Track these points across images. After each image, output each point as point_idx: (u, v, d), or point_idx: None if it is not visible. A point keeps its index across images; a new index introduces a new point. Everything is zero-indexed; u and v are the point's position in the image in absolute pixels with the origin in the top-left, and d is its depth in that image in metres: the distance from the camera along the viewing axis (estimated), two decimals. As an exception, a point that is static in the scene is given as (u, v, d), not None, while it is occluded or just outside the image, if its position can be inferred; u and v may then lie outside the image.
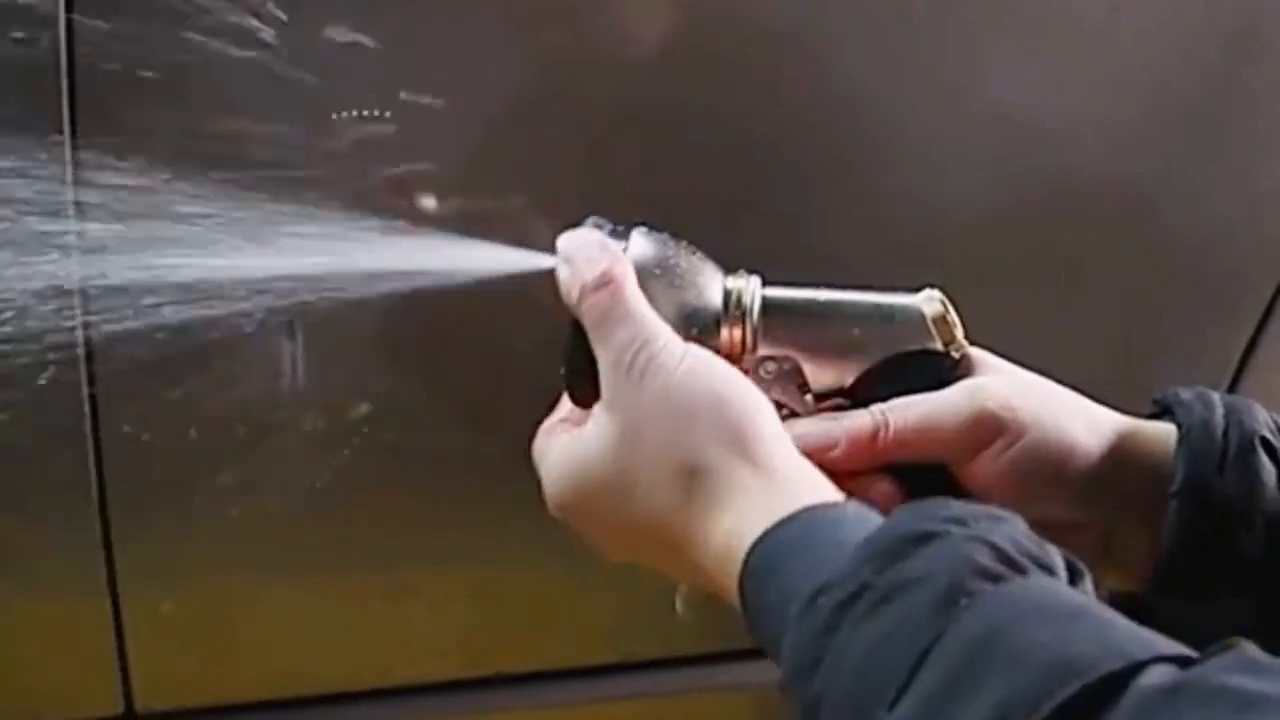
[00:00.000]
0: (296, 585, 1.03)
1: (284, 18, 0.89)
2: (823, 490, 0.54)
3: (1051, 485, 0.61)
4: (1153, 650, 0.41)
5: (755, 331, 0.62)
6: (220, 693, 1.05)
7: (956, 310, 0.63)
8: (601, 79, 0.94)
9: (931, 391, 0.62)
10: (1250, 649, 0.41)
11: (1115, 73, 1.02)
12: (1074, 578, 0.47)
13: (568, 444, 0.59)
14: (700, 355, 0.58)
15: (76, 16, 0.85)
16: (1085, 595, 0.46)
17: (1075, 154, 1.03)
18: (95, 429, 0.94)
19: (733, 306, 0.62)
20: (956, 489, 0.61)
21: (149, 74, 0.89)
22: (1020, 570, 0.45)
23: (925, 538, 0.46)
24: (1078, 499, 0.61)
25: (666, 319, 0.61)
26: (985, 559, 0.45)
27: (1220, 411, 0.61)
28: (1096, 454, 0.61)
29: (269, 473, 1.00)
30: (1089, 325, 1.09)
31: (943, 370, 0.62)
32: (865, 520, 0.50)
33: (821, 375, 0.63)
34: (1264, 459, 0.60)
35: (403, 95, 0.92)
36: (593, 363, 0.59)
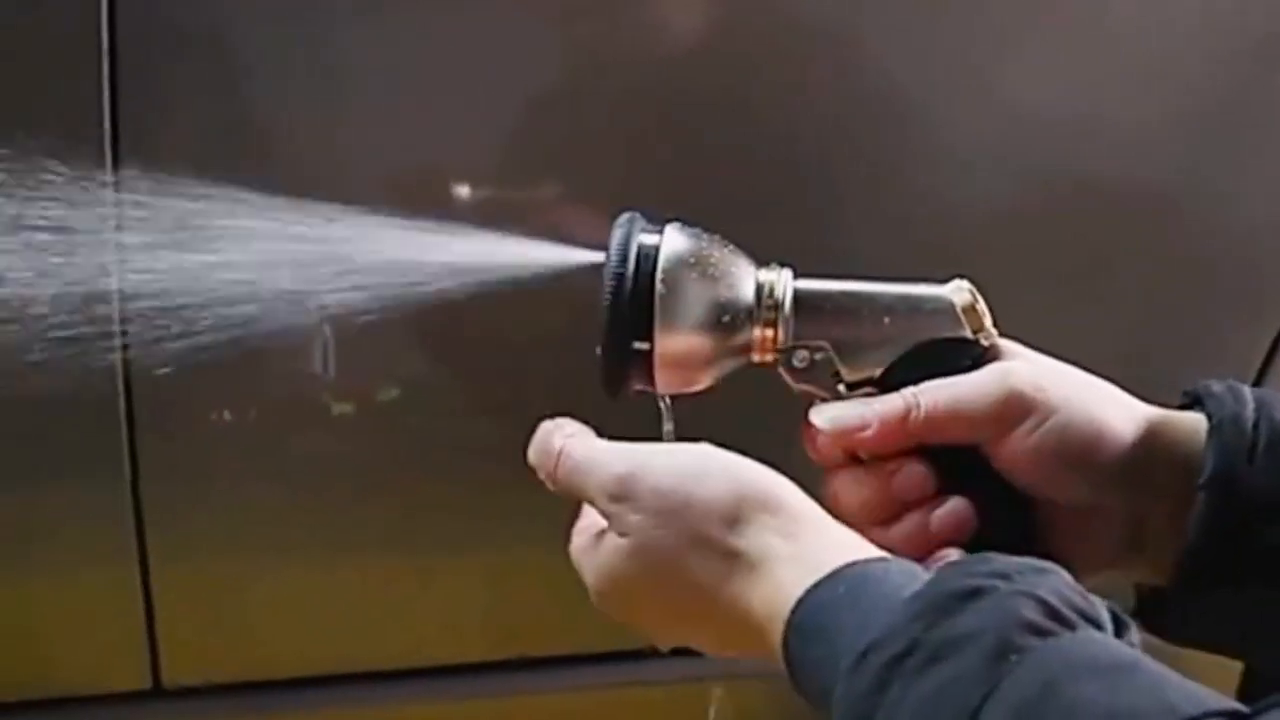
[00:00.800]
0: (322, 566, 1.04)
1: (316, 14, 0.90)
2: (853, 544, 0.55)
3: (1080, 467, 0.61)
4: (1203, 706, 0.41)
5: (788, 323, 0.63)
6: (245, 670, 1.06)
7: (995, 299, 0.64)
8: (635, 75, 0.95)
9: None
10: None
11: (1142, 75, 1.02)
12: (1119, 629, 0.48)
13: (598, 556, 0.60)
14: (676, 446, 0.59)
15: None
16: (1133, 647, 0.47)
17: (1101, 155, 1.04)
18: (129, 408, 0.95)
19: (765, 299, 0.63)
20: (987, 470, 0.62)
21: (189, 63, 0.90)
22: (1068, 625, 0.46)
23: (972, 594, 0.47)
24: (1106, 483, 0.61)
25: (700, 314, 0.62)
26: (1033, 614, 0.45)
27: (1251, 405, 0.61)
28: (1126, 440, 0.62)
29: (298, 455, 1.01)
30: (1113, 325, 1.09)
31: (972, 358, 0.63)
32: (909, 574, 0.51)
33: (853, 365, 0.63)
34: None
35: (438, 90, 0.93)
36: (626, 347, 0.61)
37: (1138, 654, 0.46)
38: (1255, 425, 0.60)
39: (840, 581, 0.51)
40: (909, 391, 0.62)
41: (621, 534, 0.57)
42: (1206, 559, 0.60)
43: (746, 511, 0.55)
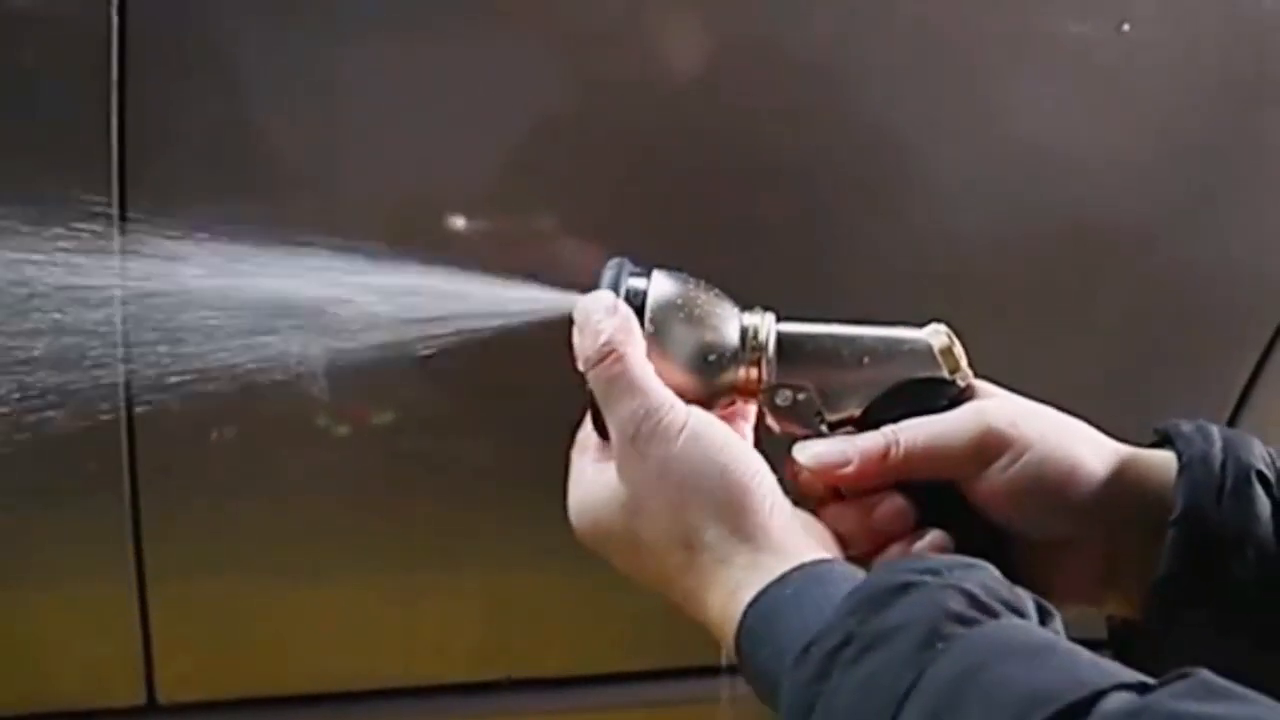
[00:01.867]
0: (315, 585, 1.06)
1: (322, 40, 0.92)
2: (811, 552, 0.57)
3: (1054, 503, 0.63)
4: (1113, 679, 0.44)
5: (771, 365, 0.65)
6: (239, 687, 1.08)
7: (962, 342, 0.66)
8: (634, 109, 0.97)
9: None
10: (1205, 675, 0.44)
11: (1128, 115, 1.05)
12: (1044, 618, 0.51)
13: (588, 488, 0.62)
14: (702, 422, 0.60)
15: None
16: (1054, 633, 0.50)
17: (1086, 191, 1.06)
18: (129, 425, 0.96)
19: (749, 341, 0.65)
20: (964, 505, 0.64)
21: (196, 92, 0.92)
22: (992, 614, 0.49)
23: (904, 588, 0.50)
24: (1079, 518, 0.63)
25: (686, 354, 0.64)
26: (959, 605, 0.49)
27: (1219, 445, 0.63)
28: (1099, 477, 0.64)
29: (293, 476, 1.03)
30: (1095, 355, 1.11)
31: (949, 397, 0.65)
32: (849, 576, 0.54)
33: (834, 404, 0.65)
34: (1259, 491, 0.62)
35: (437, 122, 0.95)
36: None
37: (1055, 637, 0.49)
38: (1223, 465, 0.62)
39: (787, 584, 0.55)
40: (889, 429, 0.64)
41: (620, 476, 0.60)
42: (1175, 592, 0.62)
43: (723, 511, 0.58)
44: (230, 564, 1.03)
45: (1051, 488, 0.63)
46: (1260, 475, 0.63)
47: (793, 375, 0.65)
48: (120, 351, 0.90)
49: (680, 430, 0.59)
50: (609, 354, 0.61)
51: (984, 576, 0.51)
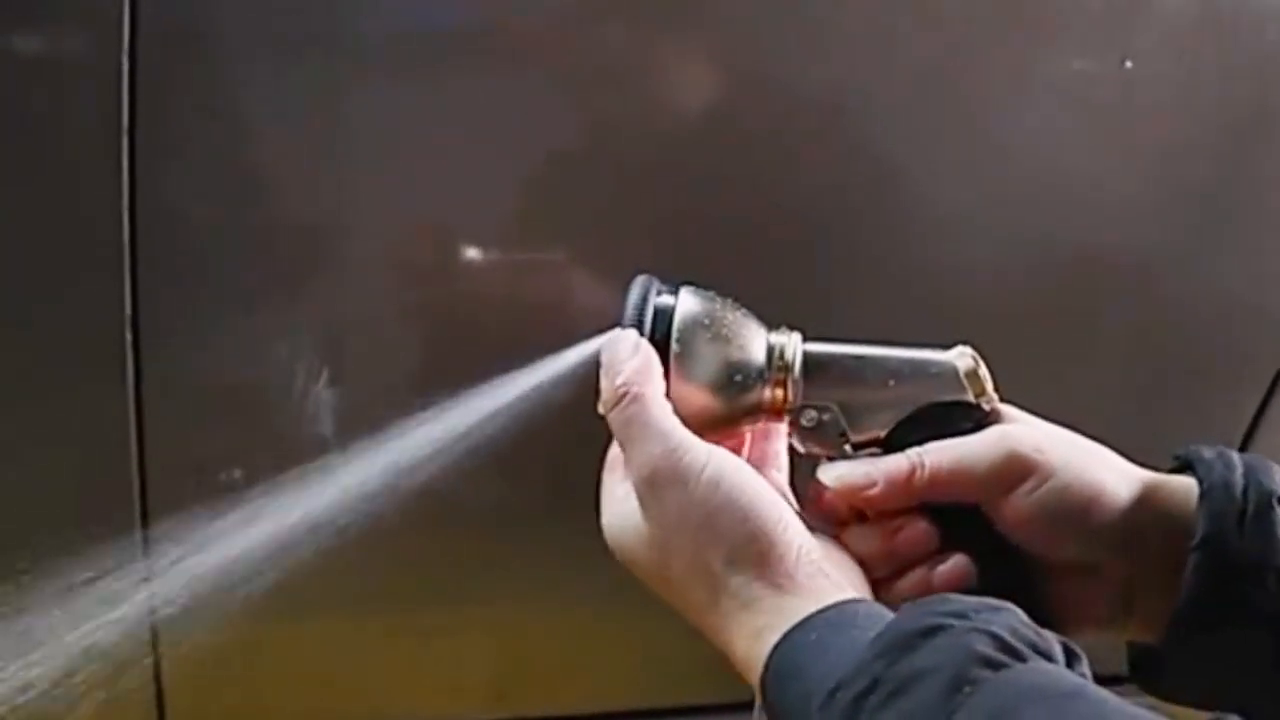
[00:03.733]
0: (326, 623, 1.05)
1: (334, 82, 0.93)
2: (837, 595, 0.57)
3: (1077, 528, 0.63)
4: None
5: (797, 384, 0.65)
6: (248, 725, 1.07)
7: (987, 365, 0.66)
8: (645, 146, 0.97)
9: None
10: None
11: (1130, 150, 1.05)
12: (1071, 661, 0.50)
13: (617, 511, 0.62)
14: (723, 464, 0.60)
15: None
16: (1082, 677, 0.49)
17: (1089, 226, 1.06)
18: (141, 465, 0.96)
19: (775, 361, 0.65)
20: (988, 528, 0.64)
21: (204, 133, 0.92)
22: (1020, 657, 0.49)
23: (930, 631, 0.50)
24: (1101, 544, 0.64)
25: (712, 373, 0.64)
26: (987, 648, 0.48)
27: (1240, 470, 0.63)
28: (1121, 503, 0.64)
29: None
30: (1098, 393, 1.11)
31: (974, 421, 0.65)
32: (876, 617, 0.54)
33: (859, 425, 0.65)
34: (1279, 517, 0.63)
35: (450, 156, 0.96)
36: None
37: (1084, 682, 0.48)
38: (1244, 491, 0.63)
39: (812, 628, 0.54)
40: (914, 451, 0.64)
41: (643, 514, 0.60)
42: (1196, 618, 0.62)
43: (746, 556, 0.58)
44: (239, 600, 1.02)
45: (1075, 513, 0.63)
46: None
47: (818, 395, 0.65)
48: (130, 369, 0.91)
49: (699, 473, 0.59)
50: (625, 395, 0.61)
51: (1011, 619, 0.51)
